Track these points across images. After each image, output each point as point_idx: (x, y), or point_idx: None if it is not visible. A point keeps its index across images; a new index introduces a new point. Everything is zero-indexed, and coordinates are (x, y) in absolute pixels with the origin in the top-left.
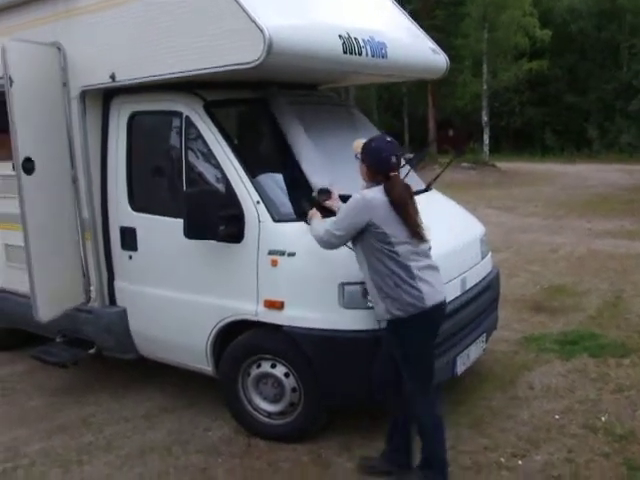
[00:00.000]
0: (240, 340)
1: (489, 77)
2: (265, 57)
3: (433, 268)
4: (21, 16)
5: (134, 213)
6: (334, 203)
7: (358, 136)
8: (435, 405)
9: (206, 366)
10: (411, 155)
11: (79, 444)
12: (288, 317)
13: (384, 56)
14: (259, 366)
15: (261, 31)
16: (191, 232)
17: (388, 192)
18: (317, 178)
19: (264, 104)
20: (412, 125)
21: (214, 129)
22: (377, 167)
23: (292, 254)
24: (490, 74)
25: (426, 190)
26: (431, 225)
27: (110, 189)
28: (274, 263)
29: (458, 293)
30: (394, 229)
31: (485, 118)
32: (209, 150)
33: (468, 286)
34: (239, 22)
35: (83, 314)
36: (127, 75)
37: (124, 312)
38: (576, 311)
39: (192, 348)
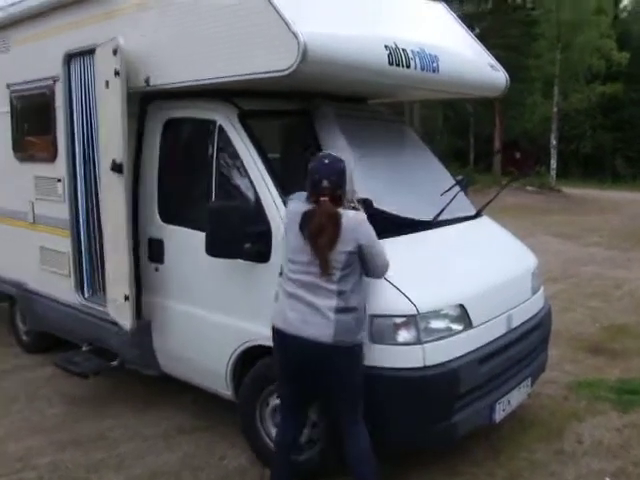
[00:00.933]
0: (260, 366)
1: (560, 99)
2: (299, 65)
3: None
4: (74, 15)
5: (162, 224)
6: None
7: (406, 154)
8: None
9: (225, 390)
10: (460, 177)
11: (90, 460)
12: None
13: (435, 70)
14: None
15: (295, 37)
16: (213, 249)
17: (309, 217)
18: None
19: (305, 116)
20: (477, 146)
21: (247, 140)
22: (310, 189)
23: None
24: (561, 96)
25: (476, 216)
26: (476, 256)
27: (141, 197)
28: None
29: (503, 331)
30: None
31: (554, 141)
32: (241, 162)
33: (514, 324)
34: (273, 27)
35: (108, 324)
36: (160, 80)
37: (148, 326)
38: (638, 356)
39: (212, 370)
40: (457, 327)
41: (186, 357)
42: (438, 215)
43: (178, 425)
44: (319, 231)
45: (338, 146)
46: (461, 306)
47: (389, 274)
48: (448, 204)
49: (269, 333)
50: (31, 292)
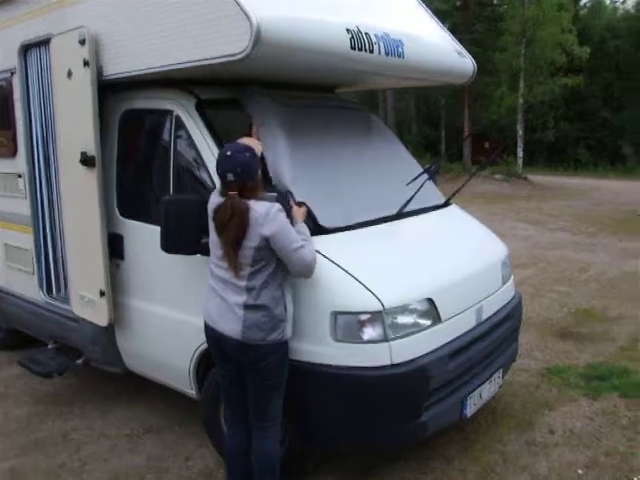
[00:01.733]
0: None
1: (525, 91)
2: (252, 49)
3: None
4: (29, 4)
5: (121, 219)
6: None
7: (369, 143)
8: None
9: (189, 389)
10: (428, 165)
11: (51, 465)
12: None
13: (400, 55)
14: None
15: (248, 19)
16: (168, 245)
17: (217, 212)
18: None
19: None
20: (449, 136)
21: (204, 130)
22: (219, 183)
23: None
24: (526, 88)
25: (445, 205)
26: (444, 246)
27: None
28: None
29: (472, 325)
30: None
31: (520, 131)
32: (198, 153)
33: (485, 316)
34: (226, 10)
35: (71, 322)
36: (112, 70)
37: (111, 324)
38: (606, 340)
39: (175, 369)
40: (425, 322)
41: (149, 355)
42: (404, 207)
43: (145, 424)
44: (224, 227)
45: (266, 135)
46: (429, 300)
47: (352, 268)
48: (415, 194)
49: None
50: None
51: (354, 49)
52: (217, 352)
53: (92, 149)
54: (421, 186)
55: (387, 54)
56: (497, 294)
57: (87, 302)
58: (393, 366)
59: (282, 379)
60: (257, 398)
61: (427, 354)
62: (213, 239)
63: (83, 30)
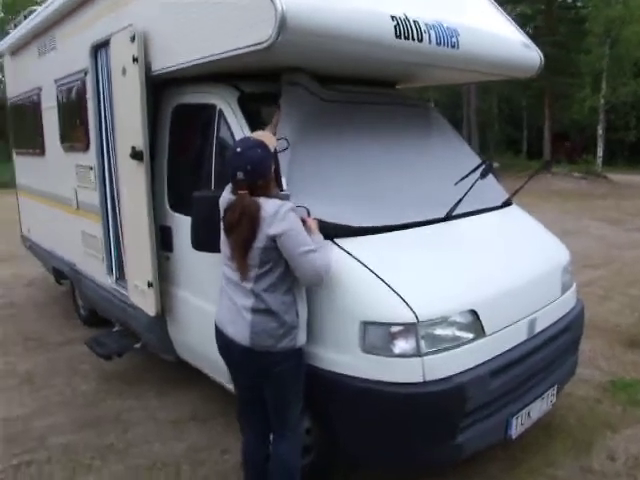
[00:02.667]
0: None
1: (608, 92)
2: (277, 36)
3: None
4: (95, 6)
5: (170, 211)
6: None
7: (422, 140)
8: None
9: (228, 383)
10: (497, 164)
11: (100, 444)
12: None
13: (454, 45)
14: None
15: (274, 5)
16: (197, 242)
17: (227, 211)
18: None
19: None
20: (530, 136)
21: (244, 124)
22: (230, 181)
23: None
24: (609, 89)
25: (504, 206)
26: (496, 252)
27: (156, 185)
28: None
29: (522, 339)
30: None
31: (600, 131)
32: None
33: (538, 329)
34: None
35: (130, 308)
36: (158, 65)
37: (163, 313)
38: None
39: (215, 362)
40: (466, 336)
41: (194, 346)
42: (454, 208)
43: (194, 411)
44: (232, 227)
45: (290, 128)
46: (472, 312)
47: (386, 274)
48: (465, 194)
49: None
50: (78, 272)
51: (399, 37)
52: (228, 358)
53: (140, 144)
54: (471, 186)
55: (438, 44)
56: (555, 304)
57: (140, 291)
58: (426, 383)
59: (298, 387)
60: (274, 405)
61: (466, 371)
62: (223, 238)
63: (132, 28)
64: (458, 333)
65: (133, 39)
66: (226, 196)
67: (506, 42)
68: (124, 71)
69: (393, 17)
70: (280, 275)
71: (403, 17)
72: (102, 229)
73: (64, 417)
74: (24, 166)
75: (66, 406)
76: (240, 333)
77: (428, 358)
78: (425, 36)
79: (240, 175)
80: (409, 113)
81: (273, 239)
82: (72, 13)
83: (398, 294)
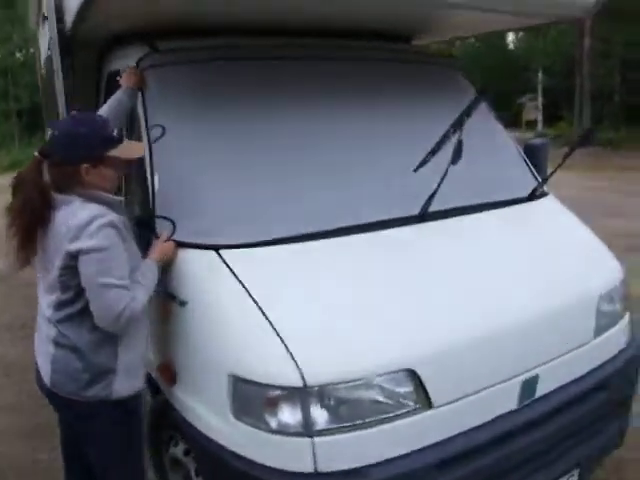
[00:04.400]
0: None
1: None
2: None
3: None
4: None
5: None
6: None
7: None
8: None
9: None
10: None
11: None
12: (178, 399)
13: None
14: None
15: None
16: None
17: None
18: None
19: None
20: None
21: None
22: None
23: (183, 303)
24: None
25: (532, 198)
26: (480, 277)
27: None
28: (165, 312)
29: (510, 408)
30: None
31: None
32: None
33: (542, 391)
34: None
35: None
36: (68, 25)
37: None
38: None
39: None
40: (397, 408)
41: None
42: (428, 203)
43: None
44: (9, 225)
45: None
46: (410, 373)
47: (276, 309)
48: (439, 184)
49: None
50: None
51: None
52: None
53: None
54: (445, 174)
55: None
56: (579, 353)
57: None
58: (319, 476)
59: (123, 454)
60: (96, 470)
61: (391, 461)
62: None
63: None
64: (382, 404)
65: None
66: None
67: None
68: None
69: None
70: (83, 308)
71: None
72: None
73: None
74: None
75: None
76: (43, 368)
77: (324, 440)
78: None
79: (56, 158)
80: (396, 72)
81: (74, 257)
82: None
83: (283, 342)
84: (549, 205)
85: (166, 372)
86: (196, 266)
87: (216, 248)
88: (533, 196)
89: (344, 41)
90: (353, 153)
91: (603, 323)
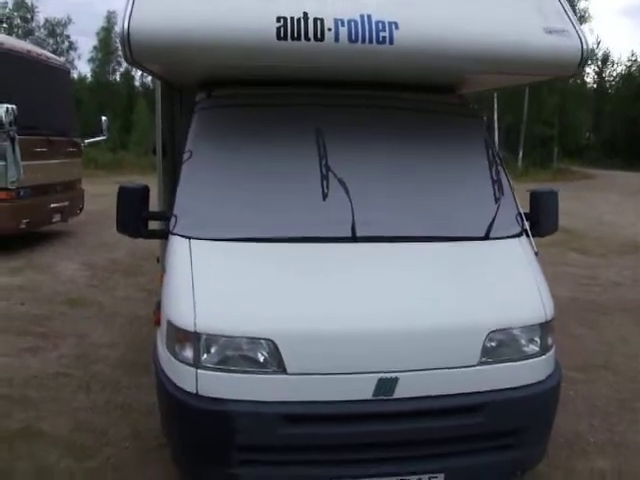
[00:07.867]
0: None
1: None
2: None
3: None
4: None
5: None
6: None
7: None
8: None
9: None
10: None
11: None
12: (158, 336)
13: (385, 40)
14: None
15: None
16: (118, 226)
17: None
18: None
19: None
20: None
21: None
22: None
23: (164, 270)
24: None
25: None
26: (376, 289)
27: None
28: (161, 278)
29: (363, 397)
30: None
31: None
32: None
33: (403, 394)
34: None
35: None
36: None
37: None
38: None
39: None
40: (257, 367)
41: None
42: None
43: None
44: None
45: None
46: (270, 342)
47: (202, 279)
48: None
49: None
50: None
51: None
52: None
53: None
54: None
55: (352, 41)
56: (459, 373)
57: None
58: (198, 397)
59: None
60: None
61: (245, 402)
62: None
63: None
64: (247, 359)
65: None
66: None
67: (508, 26)
68: None
69: (280, 18)
70: None
71: (298, 16)
72: None
73: None
74: None
75: None
76: None
77: (204, 372)
78: (329, 34)
79: None
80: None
81: None
82: None
83: (194, 301)
84: (507, 246)
85: (155, 316)
86: (176, 247)
87: (190, 238)
88: (490, 236)
89: (372, 91)
90: (331, 183)
91: (495, 355)
